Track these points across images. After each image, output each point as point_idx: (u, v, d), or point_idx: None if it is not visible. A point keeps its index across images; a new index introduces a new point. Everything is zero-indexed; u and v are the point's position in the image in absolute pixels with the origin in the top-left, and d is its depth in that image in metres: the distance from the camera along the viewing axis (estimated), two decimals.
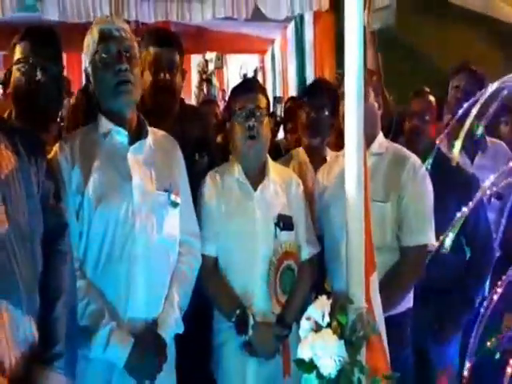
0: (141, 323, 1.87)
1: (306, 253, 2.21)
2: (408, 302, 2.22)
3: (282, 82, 6.40)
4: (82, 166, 1.85)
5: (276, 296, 2.12)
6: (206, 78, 8.42)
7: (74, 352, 1.61)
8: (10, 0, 3.71)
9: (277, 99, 5.36)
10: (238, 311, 2.05)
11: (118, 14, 3.93)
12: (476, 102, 1.67)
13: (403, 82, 3.36)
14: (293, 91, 5.63)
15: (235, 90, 2.28)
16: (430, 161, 2.11)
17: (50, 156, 1.84)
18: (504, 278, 1.67)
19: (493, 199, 2.61)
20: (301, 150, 2.65)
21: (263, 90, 2.28)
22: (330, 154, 2.62)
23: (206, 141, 2.47)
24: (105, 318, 1.81)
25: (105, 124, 1.91)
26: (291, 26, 5.64)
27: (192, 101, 7.74)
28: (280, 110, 4.64)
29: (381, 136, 2.30)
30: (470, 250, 2.55)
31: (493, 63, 3.61)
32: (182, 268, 1.97)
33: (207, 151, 2.40)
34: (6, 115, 2.10)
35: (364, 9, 1.56)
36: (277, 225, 2.13)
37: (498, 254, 2.58)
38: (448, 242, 1.67)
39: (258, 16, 4.25)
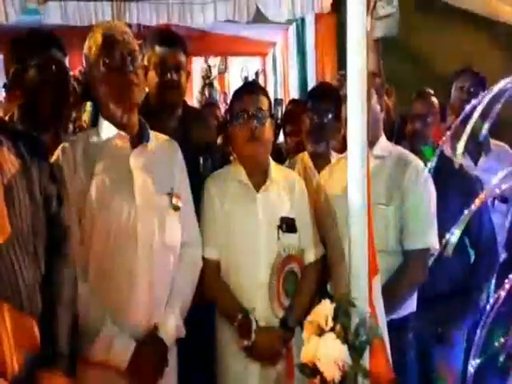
0: (142, 327, 1.87)
1: (310, 256, 2.20)
2: (411, 305, 2.21)
3: (284, 84, 6.40)
4: (85, 169, 1.86)
5: (279, 299, 2.11)
6: (208, 83, 8.43)
7: (75, 354, 1.62)
8: (13, 5, 3.72)
9: (277, 102, 5.34)
10: (240, 315, 2.04)
11: (120, 17, 3.94)
12: (479, 103, 1.66)
13: (403, 83, 3.35)
14: (294, 94, 5.63)
15: (237, 92, 2.27)
16: (432, 163, 2.10)
17: (52, 159, 1.84)
18: (511, 277, 1.64)
19: (497, 202, 2.60)
20: (305, 154, 2.62)
21: (265, 92, 2.26)
22: (335, 158, 2.60)
23: (209, 144, 2.46)
24: (107, 322, 1.81)
25: (107, 128, 1.91)
26: (292, 29, 5.64)
27: (194, 104, 7.74)
28: (280, 113, 4.62)
29: (383, 139, 2.29)
30: (474, 252, 2.54)
31: (493, 64, 3.60)
32: (184, 271, 1.97)
33: (210, 154, 2.40)
34: (7, 118, 2.10)
35: (367, 15, 1.56)
36: (279, 227, 2.12)
37: (503, 257, 2.57)
38: (451, 245, 1.66)
39: (259, 18, 4.25)
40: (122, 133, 1.90)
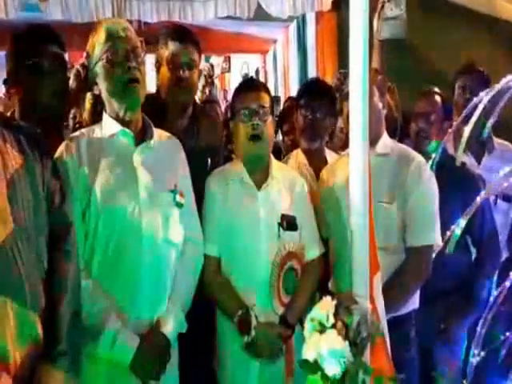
0: (145, 322, 1.88)
1: (311, 253, 2.20)
2: (413, 303, 2.21)
3: (284, 82, 6.39)
4: (89, 165, 1.86)
5: (279, 296, 2.12)
6: (210, 82, 8.41)
7: (78, 351, 1.62)
8: (14, 0, 3.71)
9: (275, 99, 5.31)
10: (240, 311, 2.05)
11: (121, 14, 3.93)
12: (480, 102, 1.66)
13: (404, 81, 3.35)
14: (295, 91, 5.61)
15: (238, 89, 2.27)
16: (435, 161, 2.10)
17: (55, 155, 1.84)
18: None
19: (499, 200, 2.60)
20: (299, 151, 2.61)
21: (266, 89, 2.26)
22: (330, 155, 2.59)
23: (219, 143, 2.47)
24: (111, 318, 1.82)
25: (111, 124, 1.92)
26: (293, 26, 5.62)
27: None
28: (278, 111, 4.61)
29: (385, 136, 2.28)
30: (476, 250, 2.54)
31: (495, 63, 3.60)
32: (185, 268, 1.98)
33: (218, 153, 2.40)
34: (8, 114, 2.10)
35: (374, 16, 1.56)
36: (280, 225, 2.12)
37: (505, 255, 2.57)
38: (453, 242, 1.66)
39: (260, 15, 4.24)
40: (126, 129, 1.91)
